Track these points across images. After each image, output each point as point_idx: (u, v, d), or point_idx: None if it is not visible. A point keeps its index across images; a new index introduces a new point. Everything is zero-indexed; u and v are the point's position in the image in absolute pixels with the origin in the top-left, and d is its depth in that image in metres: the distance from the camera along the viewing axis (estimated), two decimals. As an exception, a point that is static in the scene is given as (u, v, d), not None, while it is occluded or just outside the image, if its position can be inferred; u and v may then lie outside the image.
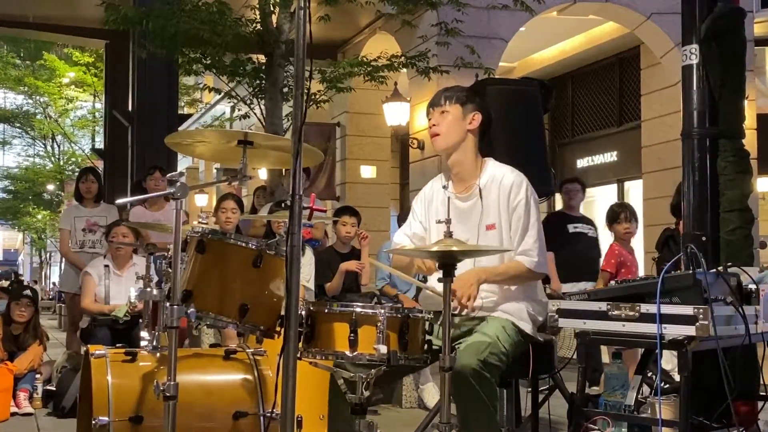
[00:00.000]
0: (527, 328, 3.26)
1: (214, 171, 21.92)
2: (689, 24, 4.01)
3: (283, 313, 2.86)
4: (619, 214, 6.36)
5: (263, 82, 9.02)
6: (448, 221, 2.88)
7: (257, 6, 8.85)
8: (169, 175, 2.80)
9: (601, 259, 6.62)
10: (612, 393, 3.29)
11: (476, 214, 3.32)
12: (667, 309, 2.97)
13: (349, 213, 6.43)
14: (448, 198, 3.17)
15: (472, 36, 9.68)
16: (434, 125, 3.41)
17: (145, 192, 6.90)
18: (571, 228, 7.00)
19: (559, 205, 8.05)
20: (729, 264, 3.30)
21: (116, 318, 5.81)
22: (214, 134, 3.67)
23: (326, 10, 8.74)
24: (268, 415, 3.13)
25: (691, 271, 3.06)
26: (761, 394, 3.54)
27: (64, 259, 7.55)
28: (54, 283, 30.46)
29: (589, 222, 7.16)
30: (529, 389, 3.75)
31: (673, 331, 2.95)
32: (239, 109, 10.55)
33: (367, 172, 12.79)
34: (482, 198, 3.32)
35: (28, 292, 6.72)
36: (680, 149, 4.04)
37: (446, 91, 3.48)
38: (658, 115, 11.24)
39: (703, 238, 3.79)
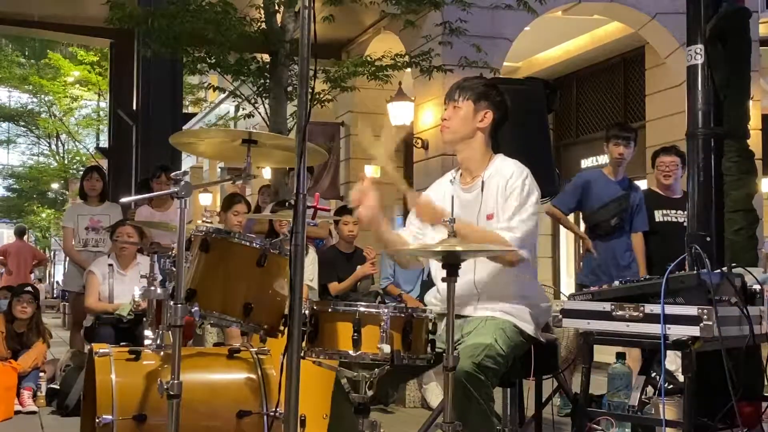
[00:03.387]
0: (529, 329, 3.24)
1: (218, 170, 21.94)
2: (694, 24, 4.00)
3: (286, 312, 2.87)
4: None
5: (267, 81, 9.03)
6: (451, 221, 2.87)
7: (262, 5, 8.86)
8: (174, 174, 2.80)
9: None
10: (616, 393, 3.29)
11: (477, 205, 3.32)
12: (672, 309, 2.96)
13: (349, 212, 6.43)
14: (452, 196, 3.16)
15: (476, 36, 9.68)
16: (445, 119, 3.40)
17: (151, 191, 6.92)
18: (658, 215, 5.99)
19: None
20: (733, 264, 3.30)
21: (120, 317, 5.82)
22: (219, 133, 3.68)
23: (330, 10, 8.75)
24: (272, 414, 3.13)
25: (695, 272, 3.06)
26: (765, 394, 3.53)
27: (68, 258, 7.57)
28: (58, 282, 30.49)
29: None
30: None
31: (677, 331, 2.95)
32: (243, 109, 10.56)
33: (371, 171, 12.78)
34: (483, 189, 3.31)
35: (29, 288, 6.74)
36: (685, 149, 4.04)
37: (462, 85, 3.42)
38: (663, 115, 11.22)
39: (708, 239, 3.79)
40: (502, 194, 3.26)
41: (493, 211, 3.28)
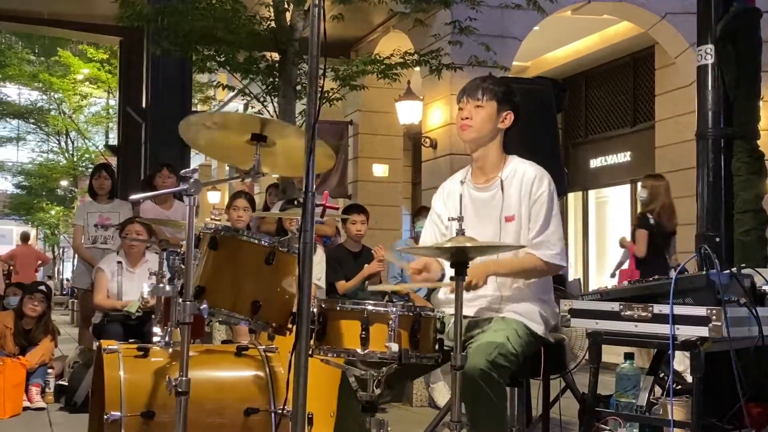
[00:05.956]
0: (539, 329, 3.25)
1: (227, 168, 21.96)
2: (704, 24, 3.99)
3: (295, 310, 2.87)
4: None
5: (276, 79, 9.03)
6: (460, 219, 2.87)
7: (271, 4, 8.86)
8: (183, 171, 2.79)
9: None
10: (624, 393, 3.28)
11: (496, 206, 3.31)
12: (680, 310, 2.95)
13: (357, 211, 6.43)
14: (461, 195, 3.15)
15: (485, 35, 9.67)
16: (467, 117, 3.34)
17: (154, 189, 6.90)
18: None
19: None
20: (743, 265, 3.29)
21: (128, 314, 5.84)
22: (230, 119, 3.55)
23: (340, 9, 8.75)
24: (280, 411, 3.14)
25: (704, 272, 3.05)
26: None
27: (77, 256, 7.59)
28: (67, 279, 30.59)
29: None
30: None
31: (685, 332, 2.94)
32: (252, 107, 10.57)
33: (379, 170, 12.80)
34: (503, 190, 3.31)
35: (42, 287, 6.77)
36: (694, 150, 4.03)
37: (484, 84, 3.38)
38: (672, 115, 11.20)
39: (717, 239, 3.78)
40: (526, 199, 3.27)
41: (514, 214, 3.28)
